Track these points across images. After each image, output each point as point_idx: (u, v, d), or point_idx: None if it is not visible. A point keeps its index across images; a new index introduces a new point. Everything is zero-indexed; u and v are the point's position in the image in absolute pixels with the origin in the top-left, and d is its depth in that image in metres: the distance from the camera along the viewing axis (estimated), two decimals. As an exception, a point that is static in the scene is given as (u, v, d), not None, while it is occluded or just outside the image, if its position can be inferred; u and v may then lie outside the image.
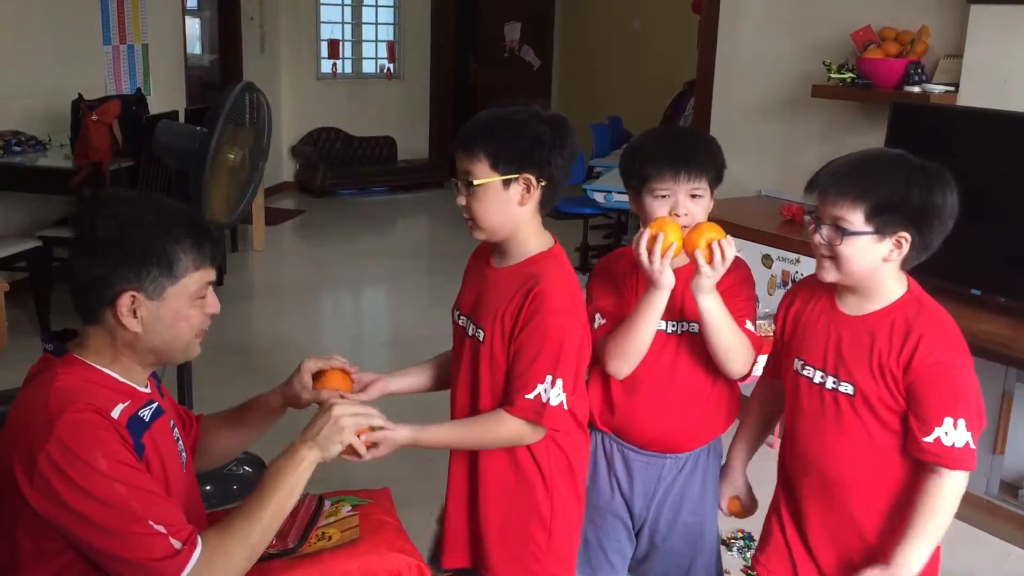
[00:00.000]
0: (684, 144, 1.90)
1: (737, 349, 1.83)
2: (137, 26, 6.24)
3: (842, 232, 1.63)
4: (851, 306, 1.73)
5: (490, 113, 1.72)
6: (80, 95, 4.86)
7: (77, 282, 1.50)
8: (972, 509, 3.17)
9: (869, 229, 1.62)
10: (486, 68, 10.11)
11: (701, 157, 1.86)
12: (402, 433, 1.66)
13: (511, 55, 10.11)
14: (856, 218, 1.62)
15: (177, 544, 1.37)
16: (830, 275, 1.69)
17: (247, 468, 3.31)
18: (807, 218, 1.73)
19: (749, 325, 1.88)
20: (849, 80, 3.69)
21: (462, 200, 1.72)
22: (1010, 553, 3.06)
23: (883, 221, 1.61)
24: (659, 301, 1.78)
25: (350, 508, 1.73)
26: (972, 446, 1.63)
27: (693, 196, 1.85)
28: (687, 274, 1.80)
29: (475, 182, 1.68)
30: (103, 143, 4.38)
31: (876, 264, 1.65)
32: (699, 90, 4.69)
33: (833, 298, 1.76)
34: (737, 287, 1.90)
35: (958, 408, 1.62)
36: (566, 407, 1.70)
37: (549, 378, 1.68)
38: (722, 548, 2.90)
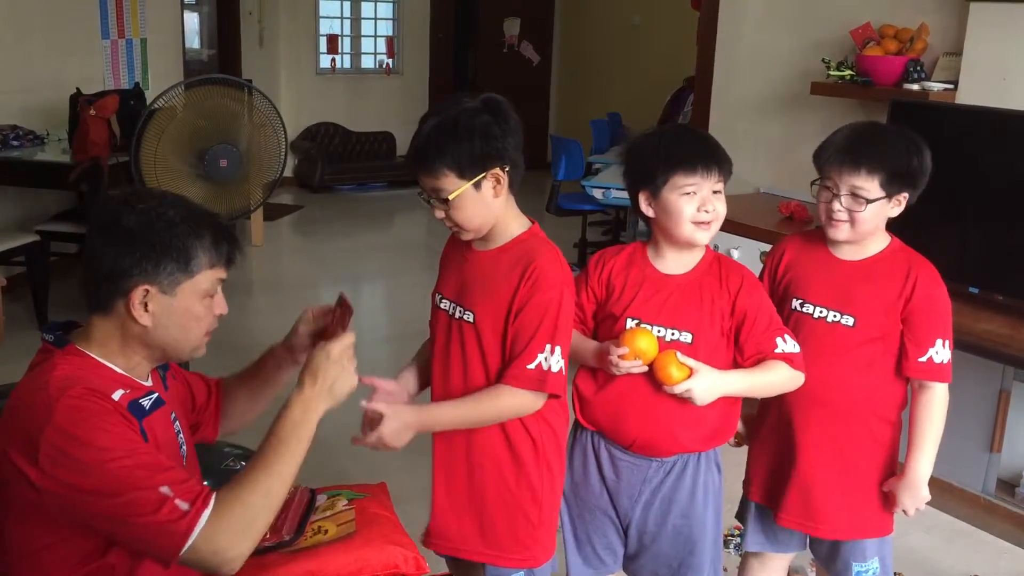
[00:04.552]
0: (704, 141, 1.93)
1: (776, 389, 1.92)
2: (136, 20, 6.23)
3: (865, 201, 1.93)
4: (848, 253, 2.03)
5: (431, 126, 1.72)
6: (78, 89, 4.85)
7: (94, 271, 1.50)
8: (969, 507, 3.17)
9: (882, 195, 1.93)
10: (485, 64, 10.09)
11: (721, 154, 1.90)
12: (408, 410, 1.71)
13: (510, 51, 10.10)
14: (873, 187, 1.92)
15: (184, 505, 1.37)
16: (842, 234, 1.98)
17: (244, 464, 3.31)
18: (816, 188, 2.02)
19: (782, 345, 1.88)
20: (848, 77, 3.69)
21: (440, 214, 1.76)
22: (1006, 551, 3.06)
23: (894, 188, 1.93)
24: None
25: (346, 502, 1.73)
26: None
27: (715, 192, 1.88)
28: (679, 281, 1.90)
29: (449, 197, 1.71)
30: (101, 138, 4.37)
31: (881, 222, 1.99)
32: (698, 86, 4.69)
33: (824, 247, 2.06)
34: (760, 305, 1.91)
35: (944, 330, 1.98)
36: (564, 372, 1.76)
37: (548, 346, 1.72)
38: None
